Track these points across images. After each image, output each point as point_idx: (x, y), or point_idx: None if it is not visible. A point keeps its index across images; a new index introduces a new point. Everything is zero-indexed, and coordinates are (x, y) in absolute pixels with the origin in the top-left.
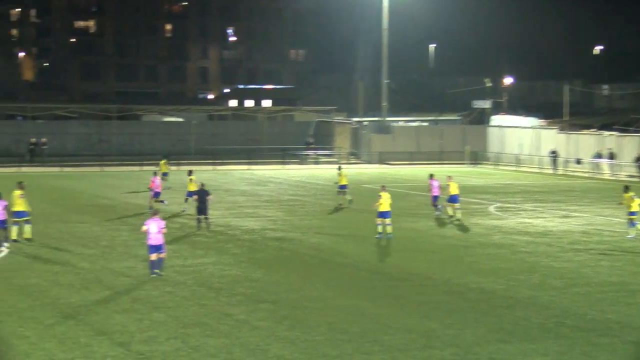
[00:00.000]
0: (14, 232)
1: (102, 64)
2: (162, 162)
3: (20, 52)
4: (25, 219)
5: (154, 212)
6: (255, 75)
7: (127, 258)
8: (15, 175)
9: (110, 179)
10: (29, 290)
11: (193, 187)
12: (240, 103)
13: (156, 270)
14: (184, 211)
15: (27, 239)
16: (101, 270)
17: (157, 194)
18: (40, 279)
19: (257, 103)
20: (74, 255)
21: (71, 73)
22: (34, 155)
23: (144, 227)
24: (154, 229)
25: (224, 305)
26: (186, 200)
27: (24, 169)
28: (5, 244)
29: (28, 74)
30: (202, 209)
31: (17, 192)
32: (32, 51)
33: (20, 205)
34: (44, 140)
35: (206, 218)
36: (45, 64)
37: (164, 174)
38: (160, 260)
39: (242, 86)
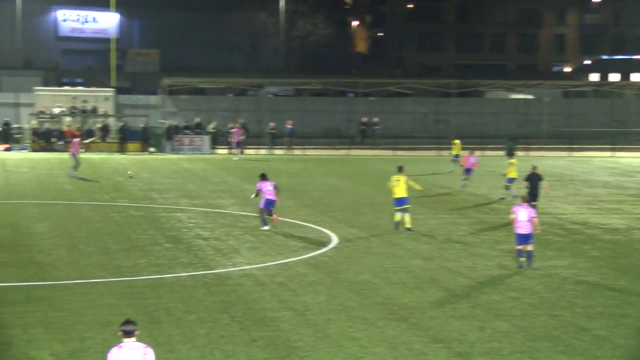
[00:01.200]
0: (399, 218)
1: (441, 33)
2: (457, 141)
3: (354, 20)
4: (405, 206)
5: (523, 199)
6: (622, 43)
7: (466, 256)
8: (343, 159)
9: (447, 165)
10: (359, 287)
11: (513, 173)
12: (604, 77)
13: (522, 259)
14: (502, 198)
15: (408, 229)
16: (437, 269)
17: (467, 171)
18: (370, 275)
19: (625, 77)
20: (406, 251)
21: (407, 44)
22: (365, 137)
23: (512, 215)
24: (524, 217)
25: (579, 317)
26: (507, 187)
27: (353, 152)
28: (266, 227)
29: (361, 46)
30: (533, 195)
31: (397, 177)
32: (365, 20)
33: (400, 192)
34: (375, 120)
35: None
36: (379, 34)
37: (456, 156)
38: (530, 254)
39: (606, 57)
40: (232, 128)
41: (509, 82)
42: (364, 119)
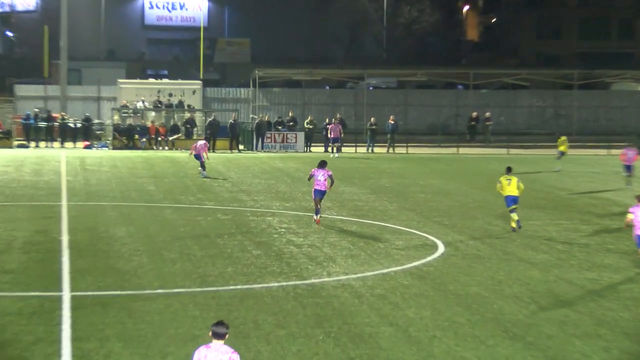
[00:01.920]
0: (515, 219)
1: (562, 18)
2: (562, 138)
3: (464, 5)
4: (515, 206)
5: (639, 199)
6: None
7: (589, 267)
8: (451, 158)
9: (568, 165)
10: (468, 301)
11: None
12: None
13: None
14: None
15: (514, 228)
16: (555, 281)
17: (628, 168)
18: (480, 287)
19: None
20: (521, 261)
21: (523, 31)
22: (476, 134)
23: (630, 216)
24: None
25: None
26: None
27: (462, 150)
28: (316, 217)
29: (472, 33)
30: None
31: (508, 177)
32: (477, 5)
33: (512, 190)
34: (487, 114)
35: None
36: (492, 20)
37: (561, 153)
38: None
39: None
40: (329, 123)
41: (638, 73)
42: (475, 114)
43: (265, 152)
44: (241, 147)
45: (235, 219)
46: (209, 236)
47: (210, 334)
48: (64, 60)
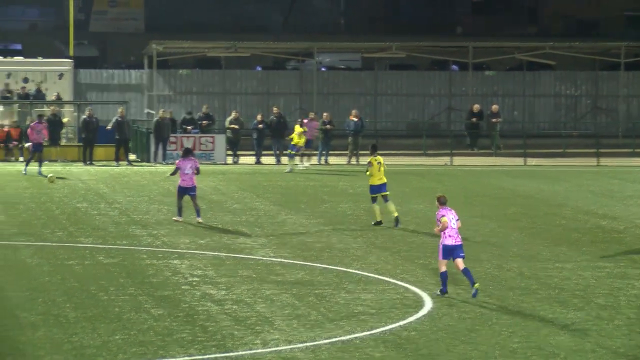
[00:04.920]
0: None
1: None
2: None
3: None
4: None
5: None
6: None
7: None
8: (442, 171)
9: (610, 181)
10: None
11: None
12: None
13: None
14: None
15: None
16: (594, 350)
17: None
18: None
19: None
20: (544, 321)
21: None
22: (478, 135)
23: None
24: None
25: None
26: None
27: (458, 160)
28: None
29: None
30: None
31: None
32: None
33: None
34: (494, 108)
35: None
36: None
37: None
38: None
39: None
40: (259, 123)
41: None
42: (476, 107)
43: (167, 164)
44: (132, 157)
45: (126, 264)
46: (87, 289)
47: None
48: None
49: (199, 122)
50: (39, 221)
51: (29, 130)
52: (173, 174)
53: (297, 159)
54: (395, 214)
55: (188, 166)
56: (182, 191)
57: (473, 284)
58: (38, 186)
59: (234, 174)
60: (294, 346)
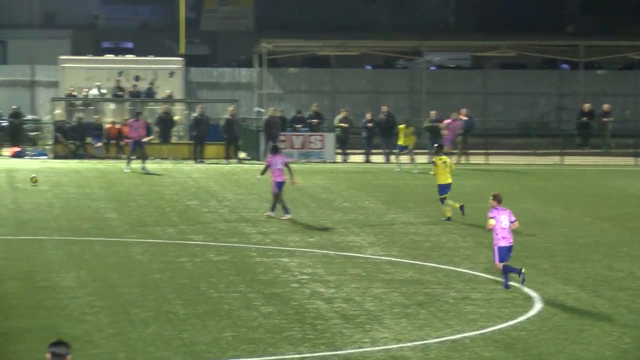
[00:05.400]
0: None
1: None
2: None
3: None
4: None
5: None
6: None
7: None
8: (552, 171)
9: None
10: None
11: None
12: None
13: None
14: None
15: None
16: None
17: None
18: None
19: None
20: None
21: None
22: (589, 135)
23: None
24: None
25: None
26: None
27: (568, 160)
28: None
29: None
30: None
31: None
32: None
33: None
34: (606, 107)
35: None
36: None
37: None
38: None
39: None
40: (369, 122)
41: None
42: (587, 107)
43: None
44: (242, 155)
45: (236, 261)
46: (197, 286)
47: (48, 356)
48: None
49: (309, 121)
50: (150, 218)
51: (126, 128)
52: (264, 172)
53: (402, 159)
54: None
55: (279, 161)
56: (279, 186)
57: (519, 271)
58: (149, 183)
59: (343, 173)
60: (403, 345)
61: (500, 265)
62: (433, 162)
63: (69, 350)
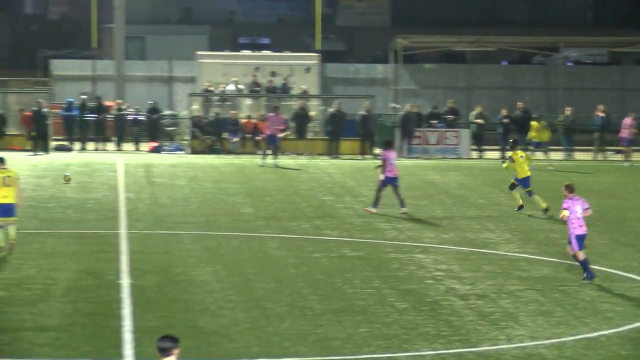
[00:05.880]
0: None
1: None
2: None
3: None
4: None
5: None
6: None
7: None
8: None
9: None
10: None
11: None
12: None
13: None
14: None
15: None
16: None
17: None
18: None
19: None
20: None
21: None
22: None
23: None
24: None
25: None
26: None
27: None
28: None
29: None
30: None
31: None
32: None
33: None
34: None
35: None
36: None
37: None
38: None
39: None
40: (504, 117)
41: None
42: None
43: (412, 158)
44: (377, 150)
45: (371, 257)
46: (332, 281)
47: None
48: (120, 24)
49: (444, 117)
50: (285, 213)
51: (265, 123)
52: (380, 167)
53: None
54: (544, 205)
55: (394, 157)
56: (388, 181)
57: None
58: (285, 179)
59: (479, 169)
60: (539, 342)
61: (580, 253)
62: (510, 158)
63: (176, 345)
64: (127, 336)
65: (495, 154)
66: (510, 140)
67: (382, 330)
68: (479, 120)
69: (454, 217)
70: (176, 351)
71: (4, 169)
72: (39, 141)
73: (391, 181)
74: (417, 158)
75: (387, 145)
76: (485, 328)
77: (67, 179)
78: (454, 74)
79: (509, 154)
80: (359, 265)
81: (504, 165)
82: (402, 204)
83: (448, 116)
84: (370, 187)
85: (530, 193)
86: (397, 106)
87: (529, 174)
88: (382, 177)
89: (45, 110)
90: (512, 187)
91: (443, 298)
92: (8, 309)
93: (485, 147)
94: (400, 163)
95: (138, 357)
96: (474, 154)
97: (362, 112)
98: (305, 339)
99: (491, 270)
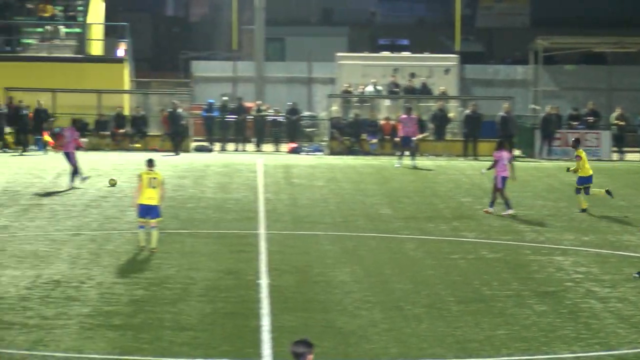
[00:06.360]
0: None
1: None
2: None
3: None
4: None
5: None
6: None
7: None
8: None
9: None
10: None
11: None
12: None
13: None
14: None
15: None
16: None
17: None
18: None
19: None
20: None
21: None
22: None
23: None
24: None
25: None
26: None
27: None
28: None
29: None
30: None
31: None
32: None
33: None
34: None
35: None
36: None
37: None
38: None
39: None
40: None
41: None
42: None
43: (553, 160)
44: (516, 152)
45: (509, 259)
46: (470, 283)
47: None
48: (260, 25)
49: (585, 118)
50: (423, 215)
51: (398, 124)
52: (491, 167)
53: None
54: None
55: (506, 156)
56: (504, 180)
57: None
58: (423, 180)
59: (620, 171)
60: None
61: None
62: (577, 156)
63: (310, 350)
64: (265, 336)
65: (637, 156)
66: (573, 140)
67: (521, 333)
68: (620, 122)
69: (594, 219)
70: (310, 356)
71: (151, 170)
72: (176, 141)
73: (504, 181)
74: (557, 159)
75: (499, 145)
76: (625, 331)
77: (113, 183)
78: (594, 75)
79: (577, 152)
80: (497, 267)
81: (572, 168)
82: (508, 206)
83: (588, 118)
84: (509, 189)
85: (587, 190)
86: (537, 107)
87: (591, 172)
88: (498, 177)
89: (180, 111)
90: (578, 191)
91: (582, 301)
92: (149, 308)
93: (626, 149)
94: (540, 165)
95: (276, 357)
96: (615, 156)
97: (502, 114)
98: (443, 340)
99: (631, 273)
